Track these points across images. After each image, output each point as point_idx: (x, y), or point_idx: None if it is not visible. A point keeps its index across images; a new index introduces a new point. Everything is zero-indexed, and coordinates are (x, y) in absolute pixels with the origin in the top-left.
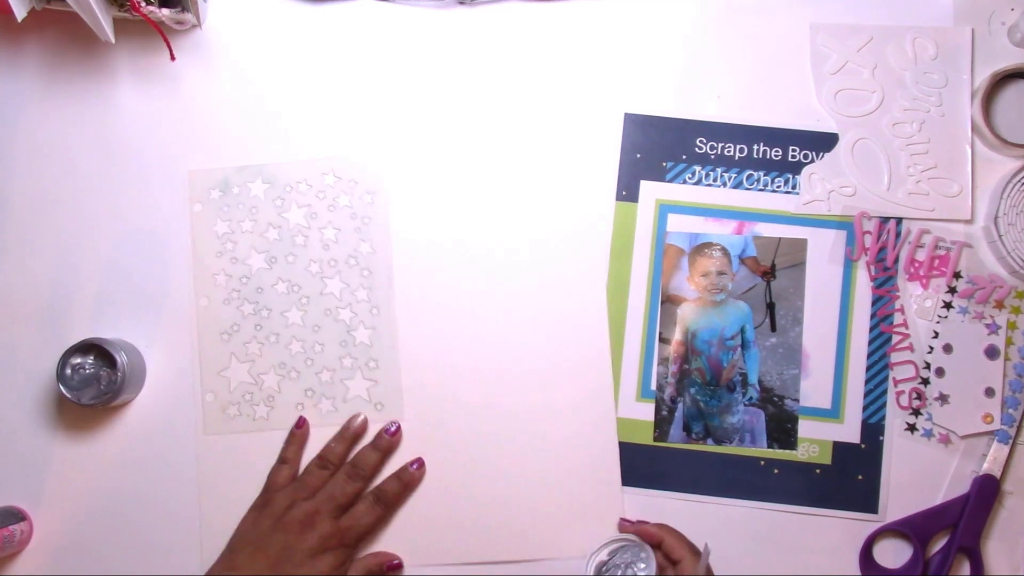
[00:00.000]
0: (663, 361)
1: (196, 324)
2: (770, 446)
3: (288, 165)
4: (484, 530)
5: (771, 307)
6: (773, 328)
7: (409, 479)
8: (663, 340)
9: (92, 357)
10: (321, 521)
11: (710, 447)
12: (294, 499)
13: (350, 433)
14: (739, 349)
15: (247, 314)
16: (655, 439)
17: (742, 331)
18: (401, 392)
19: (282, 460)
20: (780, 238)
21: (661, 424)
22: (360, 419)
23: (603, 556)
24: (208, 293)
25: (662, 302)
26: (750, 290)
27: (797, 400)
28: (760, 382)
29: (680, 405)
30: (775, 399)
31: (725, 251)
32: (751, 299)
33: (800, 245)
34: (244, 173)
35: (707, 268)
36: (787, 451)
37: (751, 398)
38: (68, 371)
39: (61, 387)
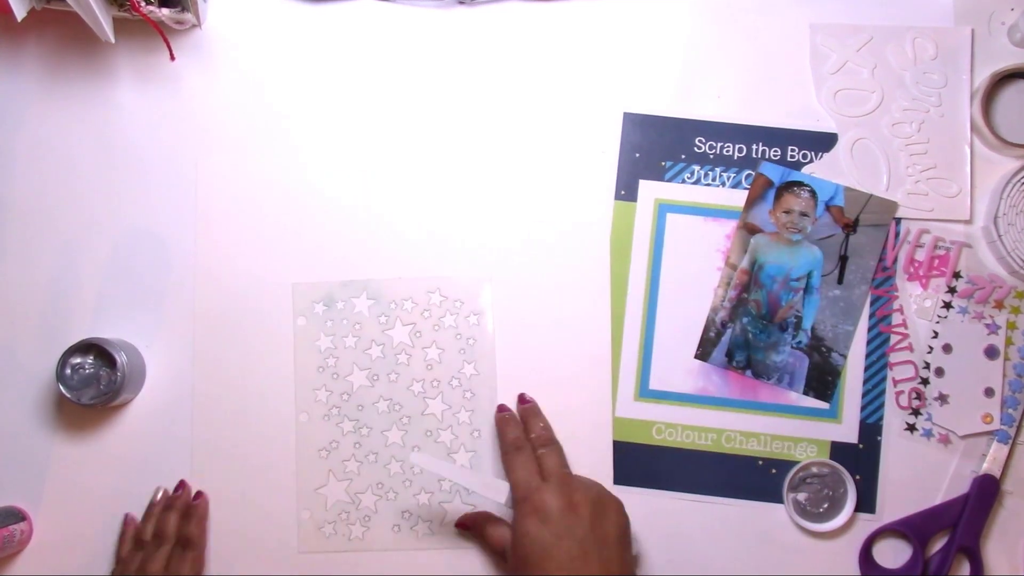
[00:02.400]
0: (723, 284)
1: (295, 440)
2: (806, 393)
3: (394, 282)
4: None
5: (844, 259)
6: (840, 280)
7: (200, 511)
8: (729, 265)
9: (92, 357)
10: None
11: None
12: None
13: (156, 509)
14: (801, 292)
15: (347, 431)
16: (696, 356)
17: (809, 275)
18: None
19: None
20: (871, 195)
21: (705, 344)
22: (160, 494)
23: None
24: (308, 409)
25: (738, 228)
26: (828, 238)
27: (844, 356)
28: (813, 329)
29: (729, 331)
30: (823, 349)
31: (813, 193)
32: (826, 247)
33: (890, 208)
34: (349, 288)
35: (791, 206)
36: (820, 401)
37: (800, 342)
38: (68, 371)
39: (61, 387)
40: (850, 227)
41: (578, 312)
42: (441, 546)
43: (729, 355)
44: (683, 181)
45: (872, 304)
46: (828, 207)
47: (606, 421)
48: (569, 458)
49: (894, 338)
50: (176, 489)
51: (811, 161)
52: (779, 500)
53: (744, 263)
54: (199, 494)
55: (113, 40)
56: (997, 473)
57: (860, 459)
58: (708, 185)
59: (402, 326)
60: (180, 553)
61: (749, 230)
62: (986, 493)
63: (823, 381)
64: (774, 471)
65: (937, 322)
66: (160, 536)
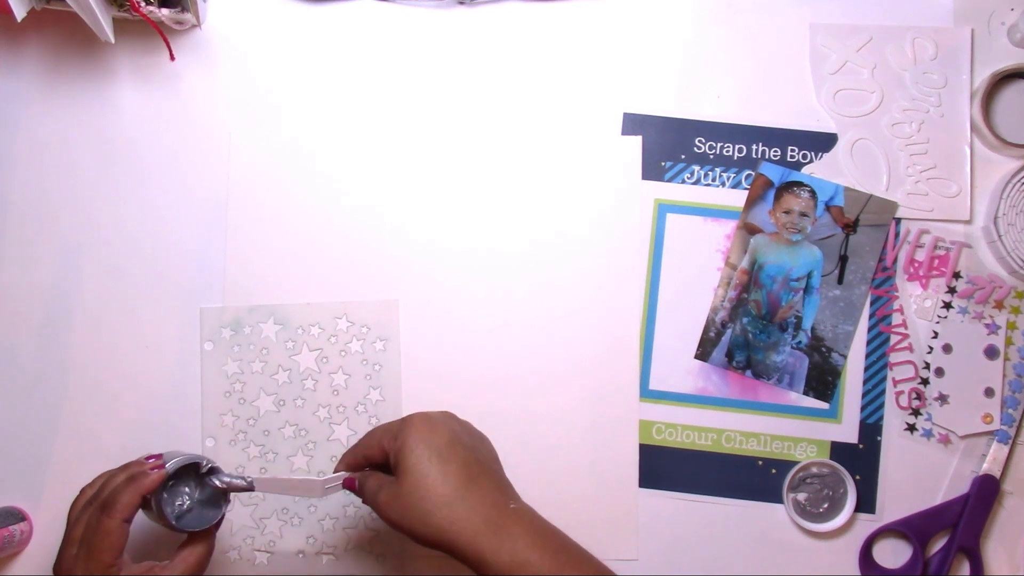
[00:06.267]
0: (723, 284)
1: None
2: (806, 393)
3: (301, 307)
4: None
5: (844, 259)
6: (840, 280)
7: (143, 481)
8: (729, 265)
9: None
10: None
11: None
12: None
13: (113, 470)
14: (801, 292)
15: (253, 456)
16: (696, 356)
17: (809, 275)
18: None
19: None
20: (871, 195)
21: (705, 344)
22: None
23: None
24: (214, 433)
25: (738, 228)
26: (828, 238)
27: (844, 356)
28: (813, 329)
29: (729, 331)
30: (823, 349)
31: (813, 194)
32: (826, 247)
33: (890, 208)
34: (256, 313)
35: (791, 206)
36: (820, 401)
37: (800, 342)
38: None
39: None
40: (850, 227)
41: (581, 318)
42: (346, 571)
43: (729, 355)
44: (683, 181)
45: (872, 304)
46: (828, 207)
47: (631, 422)
48: (593, 459)
49: (894, 338)
50: (149, 458)
51: (811, 161)
52: (779, 500)
53: (744, 263)
54: (160, 465)
55: (113, 40)
56: (997, 473)
57: (860, 459)
58: (708, 185)
59: (308, 351)
60: (96, 516)
61: (749, 230)
62: (986, 493)
63: (823, 381)
64: (774, 471)
65: (937, 322)
66: (97, 495)
